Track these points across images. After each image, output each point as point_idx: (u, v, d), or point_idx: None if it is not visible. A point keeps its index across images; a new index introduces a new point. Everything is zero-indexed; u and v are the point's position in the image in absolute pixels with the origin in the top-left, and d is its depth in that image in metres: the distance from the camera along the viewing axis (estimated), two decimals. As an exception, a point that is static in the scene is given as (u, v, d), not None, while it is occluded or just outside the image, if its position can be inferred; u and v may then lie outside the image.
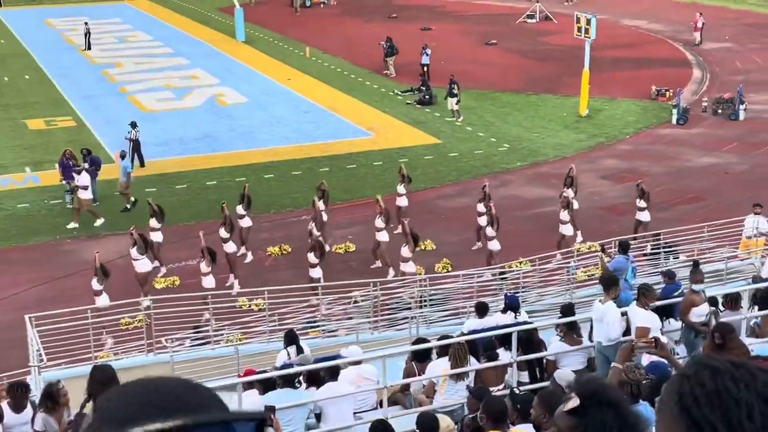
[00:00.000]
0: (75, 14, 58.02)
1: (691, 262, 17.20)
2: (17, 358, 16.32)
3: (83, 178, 24.76)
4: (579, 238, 22.66)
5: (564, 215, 22.20)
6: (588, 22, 34.56)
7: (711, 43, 47.08)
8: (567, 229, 22.24)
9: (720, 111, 35.33)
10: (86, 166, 25.90)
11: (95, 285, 18.39)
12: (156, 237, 21.83)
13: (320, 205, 22.90)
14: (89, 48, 48.32)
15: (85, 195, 24.92)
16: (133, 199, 26.06)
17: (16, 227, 25.15)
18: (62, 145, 28.80)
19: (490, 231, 21.45)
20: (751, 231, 20.96)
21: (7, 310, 20.08)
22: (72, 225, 24.92)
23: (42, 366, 15.12)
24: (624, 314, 11.65)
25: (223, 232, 20.96)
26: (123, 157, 26.57)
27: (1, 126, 34.71)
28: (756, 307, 13.32)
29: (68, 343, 16.09)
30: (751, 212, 21.21)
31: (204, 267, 19.41)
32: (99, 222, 25.12)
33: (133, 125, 29.25)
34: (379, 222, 21.89)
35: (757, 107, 35.79)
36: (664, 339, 9.92)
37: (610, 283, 11.87)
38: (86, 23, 49.40)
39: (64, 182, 26.11)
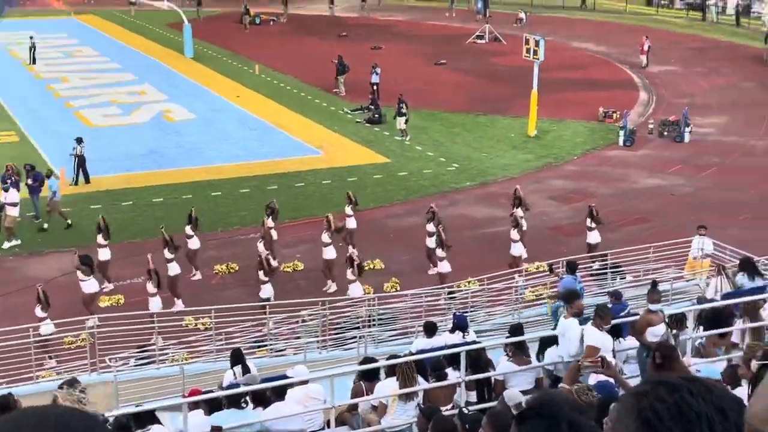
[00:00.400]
0: (21, 28, 57.19)
1: (637, 283, 17.35)
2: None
3: (12, 195, 24.22)
4: (524, 255, 22.73)
5: (514, 234, 22.30)
6: (537, 43, 34.89)
7: (657, 66, 47.82)
8: (518, 249, 22.34)
9: (666, 133, 35.83)
10: (29, 182, 25.48)
11: (38, 313, 18.00)
12: (103, 254, 21.50)
13: (269, 223, 22.77)
14: (33, 62, 47.65)
15: (13, 212, 24.34)
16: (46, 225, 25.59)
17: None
18: (4, 160, 28.23)
19: (440, 252, 21.46)
20: (697, 252, 21.21)
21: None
22: (8, 245, 24.30)
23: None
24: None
25: (166, 253, 20.69)
26: (48, 177, 25.96)
27: (-58, 140, 34.02)
28: (701, 328, 13.42)
29: (9, 362, 15.71)
30: (697, 234, 21.49)
31: (150, 288, 19.15)
32: (11, 243, 24.42)
33: (79, 141, 28.83)
34: (326, 237, 21.86)
35: (702, 130, 36.37)
36: (611, 359, 9.94)
37: (570, 297, 11.94)
38: (32, 38, 48.68)
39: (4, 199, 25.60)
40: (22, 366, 15.89)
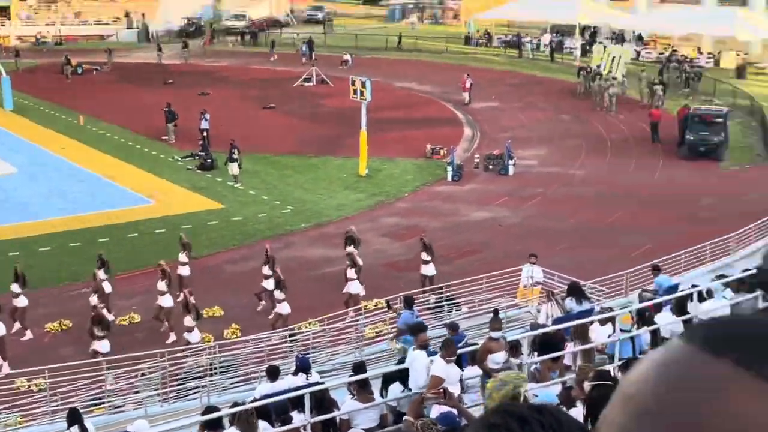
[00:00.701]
0: None
1: (473, 313, 17.85)
2: None
3: None
4: (362, 293, 23.00)
5: (351, 273, 22.57)
6: (363, 84, 35.56)
7: (479, 102, 49.52)
8: (355, 287, 22.60)
9: (491, 167, 37.12)
10: None
11: None
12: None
13: (101, 275, 22.21)
14: None
15: None
16: None
17: None
18: None
19: (278, 294, 21.47)
20: (527, 280, 22.05)
21: None
22: None
23: None
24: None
25: None
26: None
27: None
28: (535, 353, 13.94)
29: None
30: (527, 262, 22.36)
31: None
32: None
33: None
34: (162, 285, 21.56)
35: (524, 162, 37.87)
36: (455, 389, 10.22)
37: (416, 330, 12.23)
38: None
39: None
40: None
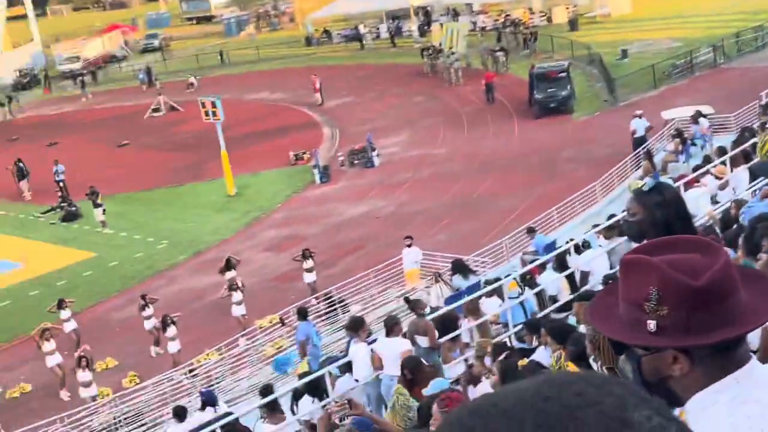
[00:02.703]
0: None
1: (367, 309, 17.91)
2: None
3: None
4: (242, 311, 22.82)
5: (236, 296, 22.41)
6: (213, 104, 35.21)
7: (332, 100, 49.64)
8: (240, 310, 22.46)
9: (356, 162, 37.30)
10: None
11: None
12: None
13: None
14: None
15: None
16: None
17: None
18: None
19: (170, 331, 21.14)
20: (411, 264, 22.26)
21: None
22: None
23: None
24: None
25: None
26: None
27: None
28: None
29: None
30: (405, 246, 22.57)
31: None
32: None
33: None
34: (47, 346, 21.11)
35: (387, 151, 38.20)
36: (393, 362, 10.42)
37: (356, 325, 12.40)
38: None
39: None
40: None
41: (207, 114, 35.76)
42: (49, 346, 21.20)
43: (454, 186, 32.28)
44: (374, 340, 12.86)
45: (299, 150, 39.26)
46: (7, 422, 19.31)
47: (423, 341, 12.69)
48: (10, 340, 24.92)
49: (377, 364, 11.91)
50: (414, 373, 10.74)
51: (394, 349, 11.69)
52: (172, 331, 20.99)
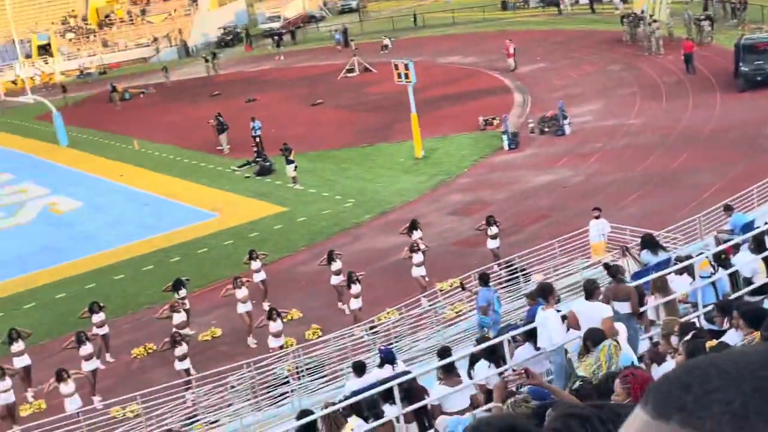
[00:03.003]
0: None
1: (547, 280, 17.57)
2: None
3: None
4: (423, 272, 22.86)
5: (417, 258, 22.55)
6: (406, 66, 35.40)
7: (525, 66, 48.96)
8: (420, 271, 22.59)
9: (546, 129, 36.68)
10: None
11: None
12: (22, 361, 20.86)
13: (181, 293, 22.65)
14: None
15: None
16: None
17: None
18: None
19: (354, 288, 21.51)
20: (598, 237, 21.71)
21: None
22: None
23: None
24: (564, 318, 11.98)
25: (82, 350, 20.21)
26: None
27: None
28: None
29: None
30: (592, 217, 22.02)
31: (64, 389, 18.54)
32: None
33: (-33, 253, 27.96)
34: (239, 293, 21.91)
35: (579, 119, 37.35)
36: (592, 325, 10.22)
37: (546, 292, 12.29)
38: None
39: None
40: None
41: (399, 76, 36.03)
42: (240, 293, 22.09)
43: (647, 158, 31.21)
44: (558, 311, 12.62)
45: (489, 115, 38.99)
46: (197, 363, 20.25)
47: (623, 307, 12.46)
48: (204, 286, 26.07)
49: (573, 323, 11.62)
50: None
51: (594, 314, 11.47)
52: (356, 288, 21.37)
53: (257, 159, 38.17)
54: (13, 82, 70.83)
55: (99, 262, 29.82)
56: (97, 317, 21.94)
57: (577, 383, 8.04)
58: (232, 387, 18.95)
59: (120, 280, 27.98)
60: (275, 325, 19.94)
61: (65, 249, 31.89)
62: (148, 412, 17.90)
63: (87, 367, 20.01)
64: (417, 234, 23.77)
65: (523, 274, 21.40)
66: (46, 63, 75.16)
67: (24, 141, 52.95)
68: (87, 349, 20.12)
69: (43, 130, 53.39)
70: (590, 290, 11.90)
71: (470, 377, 12.88)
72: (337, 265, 22.82)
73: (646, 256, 17.92)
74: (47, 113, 51.62)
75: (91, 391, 20.11)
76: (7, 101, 61.62)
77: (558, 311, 12.35)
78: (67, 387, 18.45)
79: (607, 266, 15.83)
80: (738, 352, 0.99)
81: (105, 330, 22.28)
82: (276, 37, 67.91)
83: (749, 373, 0.93)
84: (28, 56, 74.59)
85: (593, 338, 9.60)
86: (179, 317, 21.31)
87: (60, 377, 18.41)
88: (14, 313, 26.16)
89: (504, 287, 21.20)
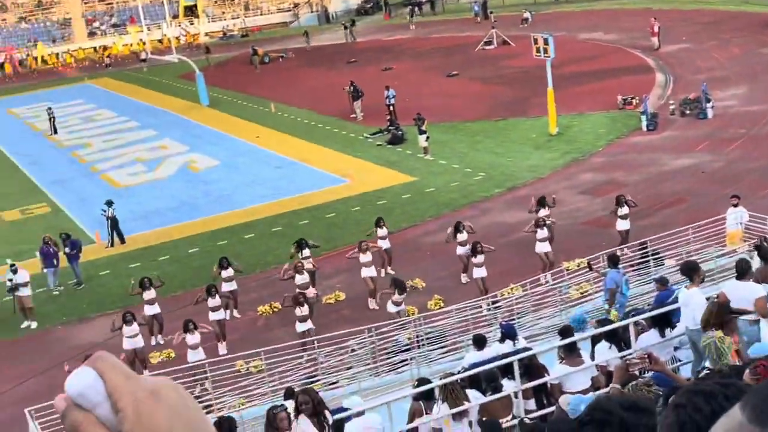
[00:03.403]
0: (37, 101, 57.92)
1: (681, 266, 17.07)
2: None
3: (22, 275, 23.84)
4: (547, 249, 22.58)
5: (541, 233, 22.31)
6: (545, 41, 34.84)
7: (669, 45, 47.53)
8: (544, 247, 22.34)
9: (688, 112, 35.57)
10: (66, 250, 25.78)
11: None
12: (153, 309, 21.72)
13: (305, 253, 23.05)
14: (55, 132, 48.22)
15: (25, 291, 23.95)
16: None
17: (1, 321, 24.85)
18: (40, 232, 28.62)
19: (476, 259, 21.48)
20: (734, 225, 20.99)
21: (5, 405, 19.81)
22: (26, 324, 24.16)
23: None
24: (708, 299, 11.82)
25: (210, 302, 20.90)
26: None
27: (-23, 221, 34.50)
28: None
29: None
30: (730, 205, 21.30)
31: (190, 339, 19.20)
32: (28, 324, 24.08)
33: (109, 204, 29.08)
34: (364, 258, 22.13)
35: (723, 103, 36.06)
36: (661, 355, 9.94)
37: (692, 270, 12.15)
38: (50, 108, 49.23)
39: (45, 270, 25.89)
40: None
41: (538, 50, 35.50)
42: (365, 258, 22.33)
43: (793, 147, 29.91)
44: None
45: (628, 94, 38.05)
46: (319, 325, 20.59)
47: None
48: (330, 250, 26.44)
49: (723, 299, 11.31)
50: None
51: (747, 293, 11.17)
52: (480, 258, 21.33)
53: (390, 127, 38.34)
54: (160, 41, 73.15)
55: (231, 221, 30.60)
56: (226, 273, 22.64)
57: (704, 372, 7.82)
58: (353, 351, 19.20)
59: (250, 239, 28.65)
60: (398, 298, 20.14)
61: (200, 206, 32.85)
62: (271, 368, 18.32)
63: (214, 317, 20.73)
64: (544, 212, 23.47)
65: (654, 258, 20.86)
66: (192, 24, 77.26)
67: (167, 98, 54.71)
68: (215, 301, 20.84)
69: (186, 89, 55.04)
70: (743, 270, 11.66)
71: (592, 359, 12.70)
72: (462, 236, 22.78)
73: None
74: (190, 73, 53.13)
75: (218, 339, 20.85)
76: (153, 59, 63.67)
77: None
78: (193, 338, 19.10)
79: (758, 247, 15.36)
80: None
81: (233, 286, 22.91)
82: (413, 7, 67.88)
83: None
84: (175, 16, 76.85)
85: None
86: (302, 278, 21.68)
87: (186, 328, 19.07)
88: (150, 265, 27.15)
89: (634, 270, 20.74)
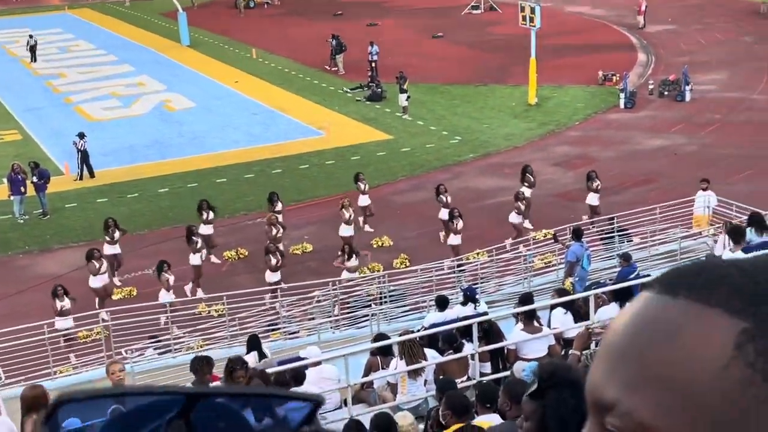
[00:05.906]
0: (15, 26, 57.11)
1: (644, 244, 17.31)
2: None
3: None
4: (529, 226, 22.74)
5: (518, 205, 22.39)
6: (532, 10, 34.74)
7: (654, 25, 47.60)
8: (517, 218, 22.41)
9: (666, 93, 35.73)
10: (34, 179, 25.57)
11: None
12: (111, 249, 21.56)
13: (278, 207, 22.94)
14: (34, 60, 47.51)
15: None
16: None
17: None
18: (9, 159, 28.34)
19: (459, 224, 21.45)
20: (702, 209, 21.21)
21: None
22: None
23: (1, 384, 14.87)
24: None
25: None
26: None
27: (-55, 143, 34.09)
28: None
29: (26, 359, 15.85)
30: (700, 188, 21.50)
31: (163, 278, 19.19)
32: None
33: (81, 136, 28.81)
34: (345, 214, 22.04)
35: (702, 87, 36.25)
36: None
37: (737, 234, 12.40)
38: (31, 36, 48.42)
39: (11, 197, 25.72)
40: (38, 363, 16.03)
41: (524, 19, 35.39)
42: (346, 213, 22.20)
43: (766, 137, 30.15)
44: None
45: (609, 71, 38.13)
46: (285, 275, 20.60)
47: None
48: (302, 201, 26.42)
49: None
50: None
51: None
52: (460, 224, 21.36)
53: (370, 84, 38.20)
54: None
55: (203, 163, 30.45)
56: (205, 215, 22.40)
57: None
58: (318, 301, 19.28)
59: (221, 184, 28.54)
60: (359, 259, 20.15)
61: (173, 146, 32.65)
62: (232, 313, 18.38)
63: (194, 261, 20.68)
64: (527, 191, 23.40)
65: (620, 235, 21.07)
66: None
67: (146, 35, 54.08)
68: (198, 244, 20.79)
69: (167, 27, 54.43)
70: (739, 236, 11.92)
71: (549, 325, 12.87)
72: (445, 198, 22.78)
73: (750, 235, 17.45)
74: (173, 11, 52.51)
75: (196, 283, 20.82)
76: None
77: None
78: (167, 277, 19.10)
79: (732, 228, 15.59)
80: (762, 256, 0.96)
81: (210, 230, 22.66)
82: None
83: (765, 266, 0.90)
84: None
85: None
86: (275, 230, 21.68)
87: (161, 269, 19.05)
88: (117, 201, 27.01)
89: (598, 244, 20.94)
